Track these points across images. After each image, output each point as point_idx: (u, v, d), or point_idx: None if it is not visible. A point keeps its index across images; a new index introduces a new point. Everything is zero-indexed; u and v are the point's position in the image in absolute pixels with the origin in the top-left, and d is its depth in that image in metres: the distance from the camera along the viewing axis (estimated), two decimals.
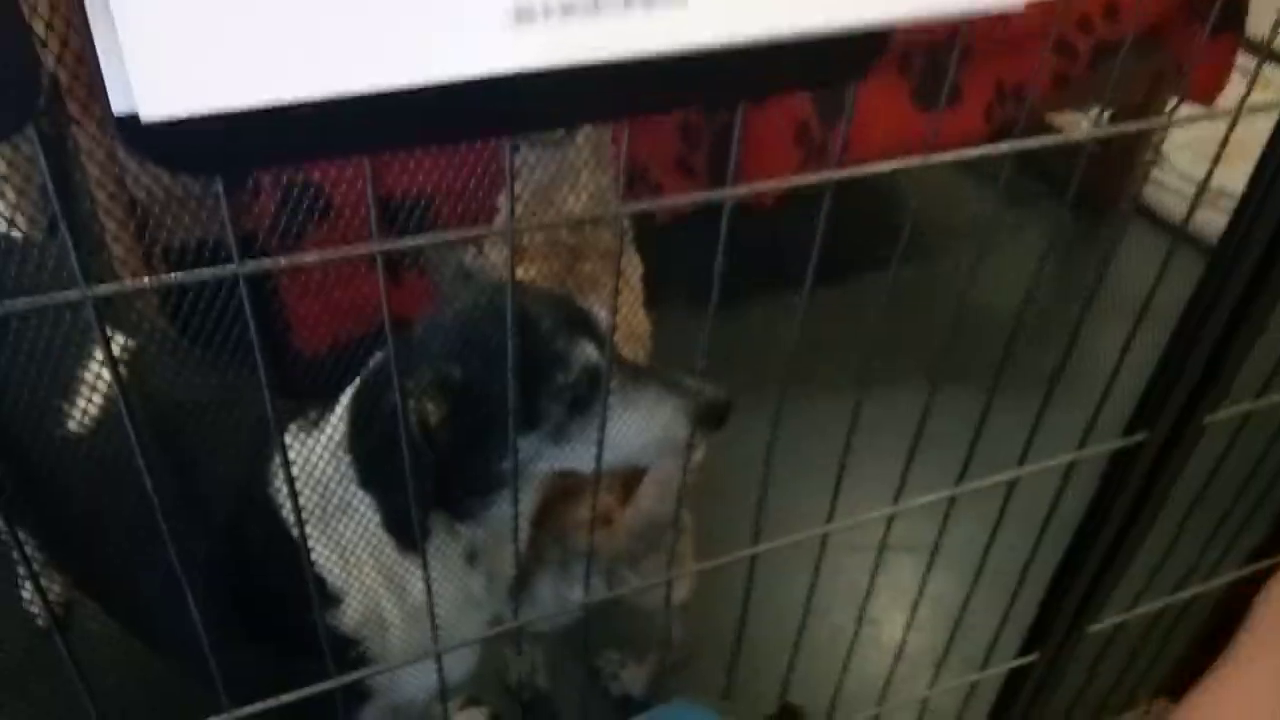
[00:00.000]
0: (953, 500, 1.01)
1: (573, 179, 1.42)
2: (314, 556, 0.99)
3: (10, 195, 1.04)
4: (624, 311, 1.42)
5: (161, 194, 1.93)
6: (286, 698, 0.77)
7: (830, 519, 0.94)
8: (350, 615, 1.03)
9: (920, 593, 1.11)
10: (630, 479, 1.23)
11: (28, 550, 0.75)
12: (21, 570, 1.59)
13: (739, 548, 0.92)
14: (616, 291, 1.37)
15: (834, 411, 0.90)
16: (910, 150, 0.76)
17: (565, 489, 1.22)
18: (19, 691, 1.47)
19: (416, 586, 1.03)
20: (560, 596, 1.24)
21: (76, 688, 0.68)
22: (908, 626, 1.16)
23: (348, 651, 1.04)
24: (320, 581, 1.00)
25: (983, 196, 2.74)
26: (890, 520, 0.97)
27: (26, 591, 1.64)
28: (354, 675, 0.83)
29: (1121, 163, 2.85)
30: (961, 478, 0.98)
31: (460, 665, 1.12)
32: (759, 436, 0.85)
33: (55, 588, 1.59)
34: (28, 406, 1.08)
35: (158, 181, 1.90)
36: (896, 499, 0.97)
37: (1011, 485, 1.03)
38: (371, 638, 1.04)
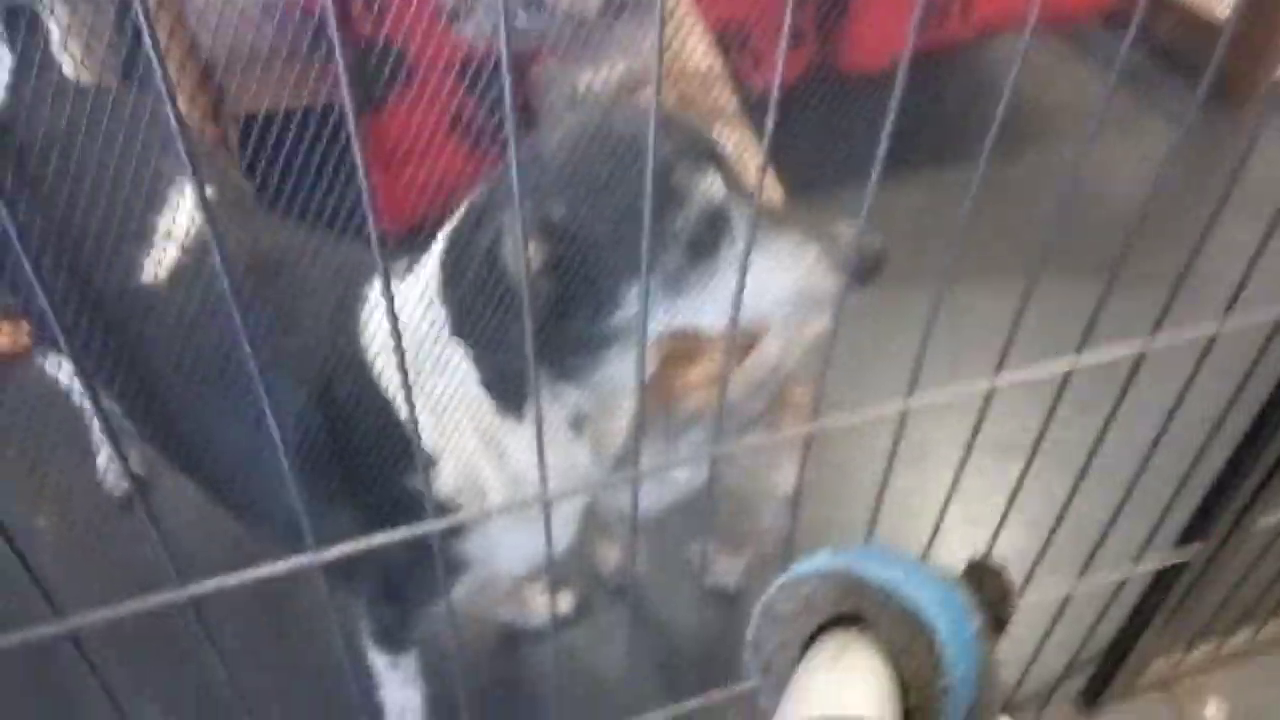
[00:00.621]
0: (1067, 379, 0.93)
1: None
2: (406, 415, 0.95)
3: (77, 44, 1.01)
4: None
5: (238, 53, 1.88)
6: (380, 539, 0.74)
7: (910, 392, 0.87)
8: (446, 479, 0.98)
9: (1016, 489, 1.06)
10: (749, 347, 1.14)
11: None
12: (97, 437, 1.65)
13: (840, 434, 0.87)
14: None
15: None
16: (1027, 15, 0.70)
17: (675, 353, 1.15)
18: (94, 566, 1.52)
19: (517, 450, 0.97)
20: (664, 471, 1.18)
21: (154, 558, 0.67)
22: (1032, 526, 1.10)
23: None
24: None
25: (1095, 77, 2.52)
26: (989, 395, 0.90)
27: (101, 461, 1.67)
28: (450, 520, 0.79)
29: (1262, 43, 2.52)
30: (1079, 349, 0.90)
31: (559, 535, 1.08)
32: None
33: (131, 458, 1.63)
34: (103, 257, 1.06)
35: (234, 39, 1.85)
36: (999, 368, 0.89)
37: (1137, 362, 0.94)
38: (469, 504, 0.99)
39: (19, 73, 1.21)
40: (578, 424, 0.99)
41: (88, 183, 1.04)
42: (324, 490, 1.00)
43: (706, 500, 0.97)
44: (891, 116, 0.69)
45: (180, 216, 1.07)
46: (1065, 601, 1.30)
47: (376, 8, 1.53)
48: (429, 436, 0.96)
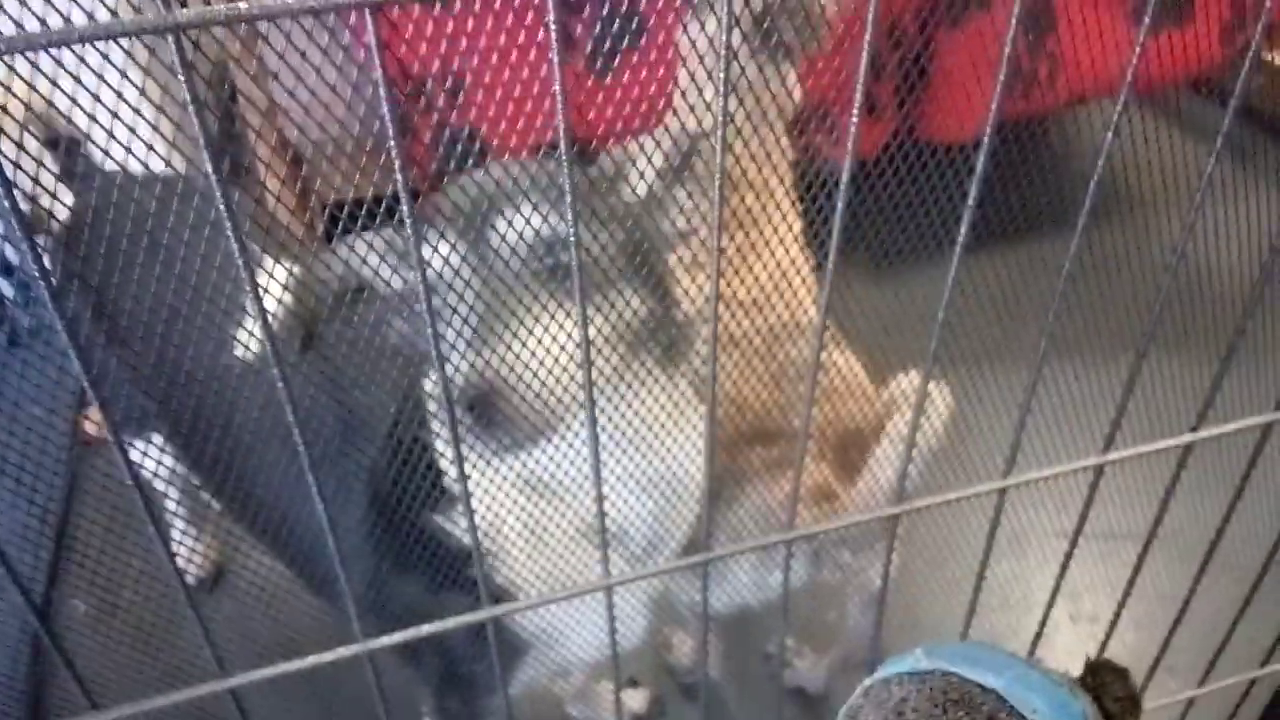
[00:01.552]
0: (1185, 456, 0.86)
1: None
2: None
3: (166, 134, 1.06)
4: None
5: (322, 143, 1.96)
6: (428, 629, 0.74)
7: (1008, 471, 0.82)
8: (510, 564, 0.95)
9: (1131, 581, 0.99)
10: (845, 444, 1.09)
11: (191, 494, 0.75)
12: (177, 526, 1.68)
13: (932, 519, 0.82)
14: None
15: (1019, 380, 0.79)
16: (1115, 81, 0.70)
17: (773, 459, 1.10)
18: (167, 645, 1.54)
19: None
20: (759, 578, 1.12)
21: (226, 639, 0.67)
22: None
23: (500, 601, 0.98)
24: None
25: (1181, 142, 2.43)
26: (1098, 473, 0.84)
27: (182, 547, 1.70)
28: (504, 608, 0.77)
29: None
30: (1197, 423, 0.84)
31: (628, 627, 1.04)
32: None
33: (210, 547, 1.66)
34: (192, 338, 1.09)
35: (318, 131, 1.93)
36: (1106, 448, 0.84)
37: (1264, 436, 0.87)
38: (529, 590, 0.97)
39: (98, 168, 1.28)
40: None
41: (177, 267, 1.08)
42: (391, 569, 1.00)
43: (784, 591, 0.93)
44: (975, 188, 0.66)
45: (268, 297, 1.10)
46: (1189, 706, 1.20)
47: (458, 94, 1.58)
48: (486, 520, 0.95)
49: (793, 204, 1.31)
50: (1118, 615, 1.03)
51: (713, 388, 0.71)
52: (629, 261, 0.84)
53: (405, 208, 0.54)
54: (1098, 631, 1.05)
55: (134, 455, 1.39)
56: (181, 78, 0.43)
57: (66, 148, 1.26)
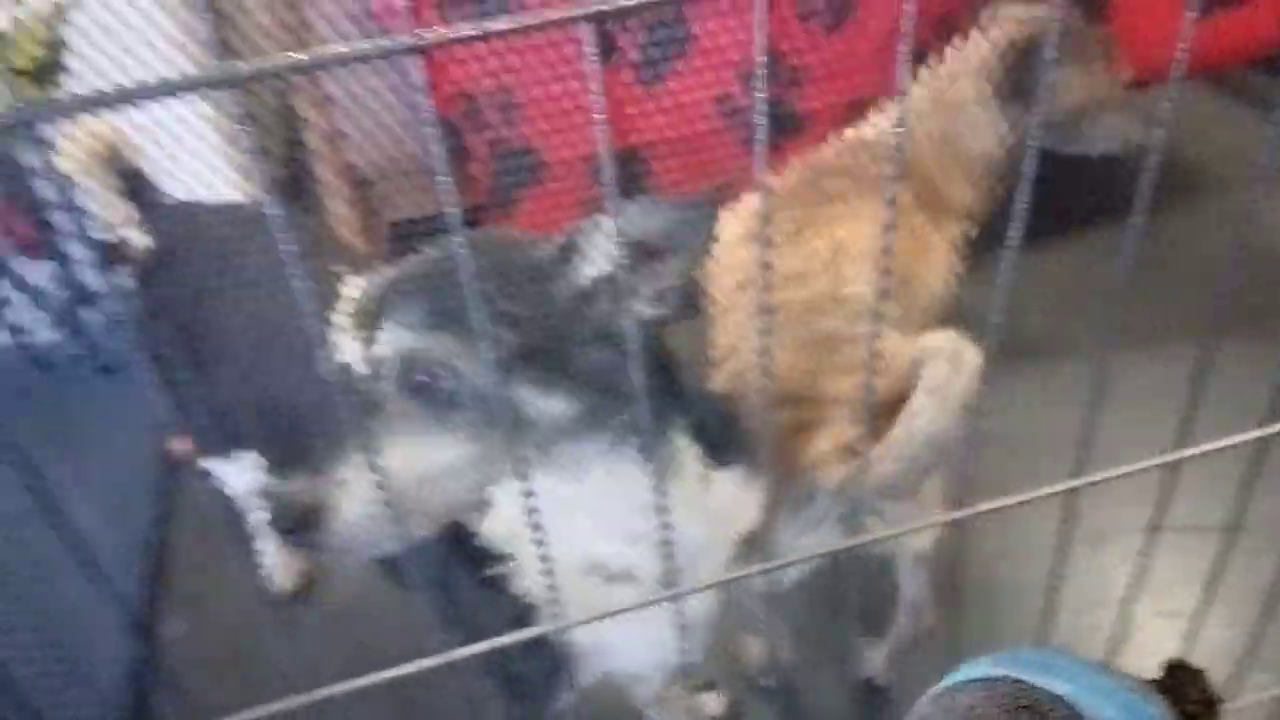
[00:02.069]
0: (1265, 446, 0.84)
1: None
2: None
3: (237, 163, 1.11)
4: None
5: (383, 166, 2.03)
6: (496, 642, 0.75)
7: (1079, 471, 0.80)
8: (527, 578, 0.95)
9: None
10: (881, 405, 1.09)
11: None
12: (261, 539, 1.74)
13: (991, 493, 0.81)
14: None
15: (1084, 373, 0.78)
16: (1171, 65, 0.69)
17: (799, 422, 1.12)
18: (252, 660, 1.59)
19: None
20: (796, 536, 1.13)
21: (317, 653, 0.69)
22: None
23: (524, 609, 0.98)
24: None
25: (1244, 122, 2.34)
26: (1176, 469, 0.82)
27: (266, 560, 1.76)
28: (565, 623, 0.78)
29: None
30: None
31: (690, 633, 1.04)
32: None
33: (297, 557, 1.71)
34: (281, 353, 1.12)
35: (379, 154, 1.99)
36: (1182, 438, 0.81)
37: None
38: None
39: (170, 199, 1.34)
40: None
41: (254, 289, 1.12)
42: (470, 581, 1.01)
43: (843, 584, 0.92)
44: (1029, 177, 0.66)
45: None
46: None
47: (510, 111, 1.61)
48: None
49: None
50: (1203, 610, 1.00)
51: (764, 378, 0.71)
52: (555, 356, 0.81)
53: (453, 238, 0.55)
54: (1184, 627, 1.03)
55: (225, 472, 1.45)
56: (245, 126, 0.45)
57: (140, 184, 1.32)
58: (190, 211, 1.37)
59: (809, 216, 1.34)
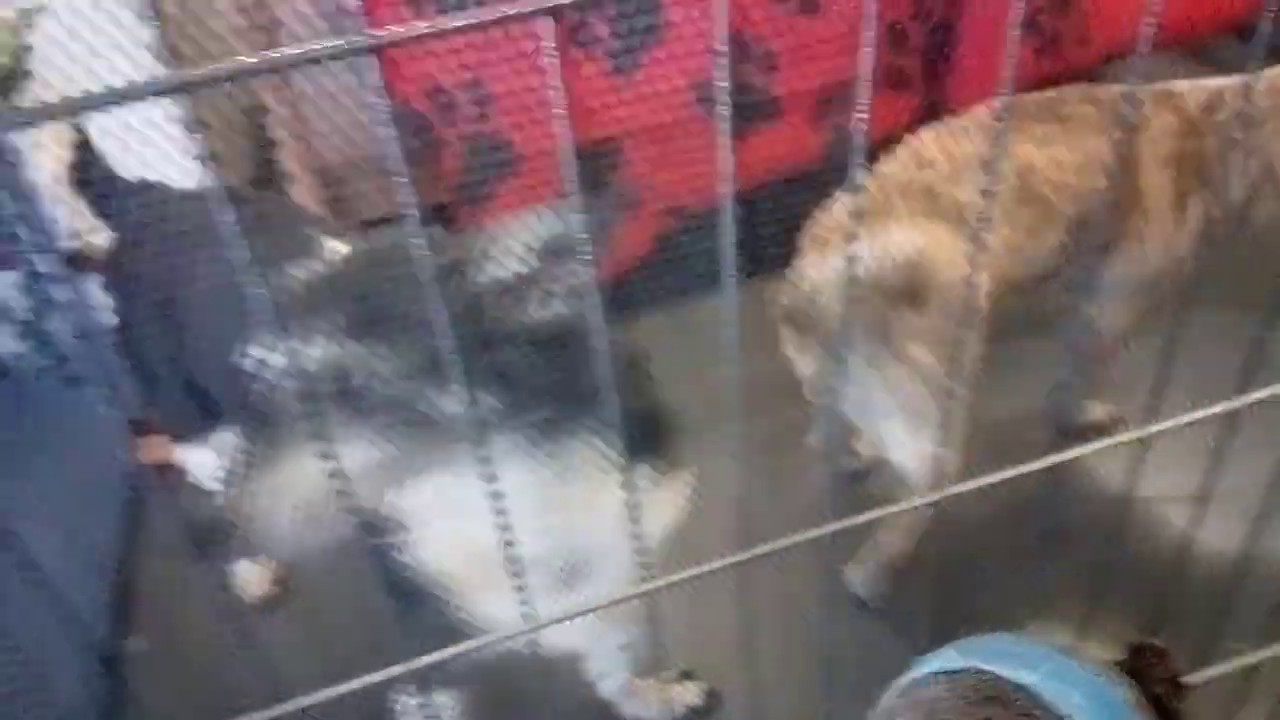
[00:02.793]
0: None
1: None
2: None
3: (218, 152, 1.11)
4: None
5: (356, 163, 2.01)
6: (450, 651, 0.75)
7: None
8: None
9: None
10: None
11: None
12: (234, 548, 1.72)
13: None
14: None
15: None
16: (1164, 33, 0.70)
17: None
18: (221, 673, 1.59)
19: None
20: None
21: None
22: None
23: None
24: None
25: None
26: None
27: (237, 569, 1.76)
28: (503, 635, 0.78)
29: None
30: None
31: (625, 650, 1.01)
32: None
33: (268, 566, 1.71)
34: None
35: (352, 151, 1.98)
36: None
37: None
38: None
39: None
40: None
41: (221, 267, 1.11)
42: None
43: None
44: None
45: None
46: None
47: (484, 104, 1.61)
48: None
49: None
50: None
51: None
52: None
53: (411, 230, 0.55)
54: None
55: (197, 464, 1.44)
56: (198, 132, 0.46)
57: (99, 171, 1.31)
58: (153, 194, 1.36)
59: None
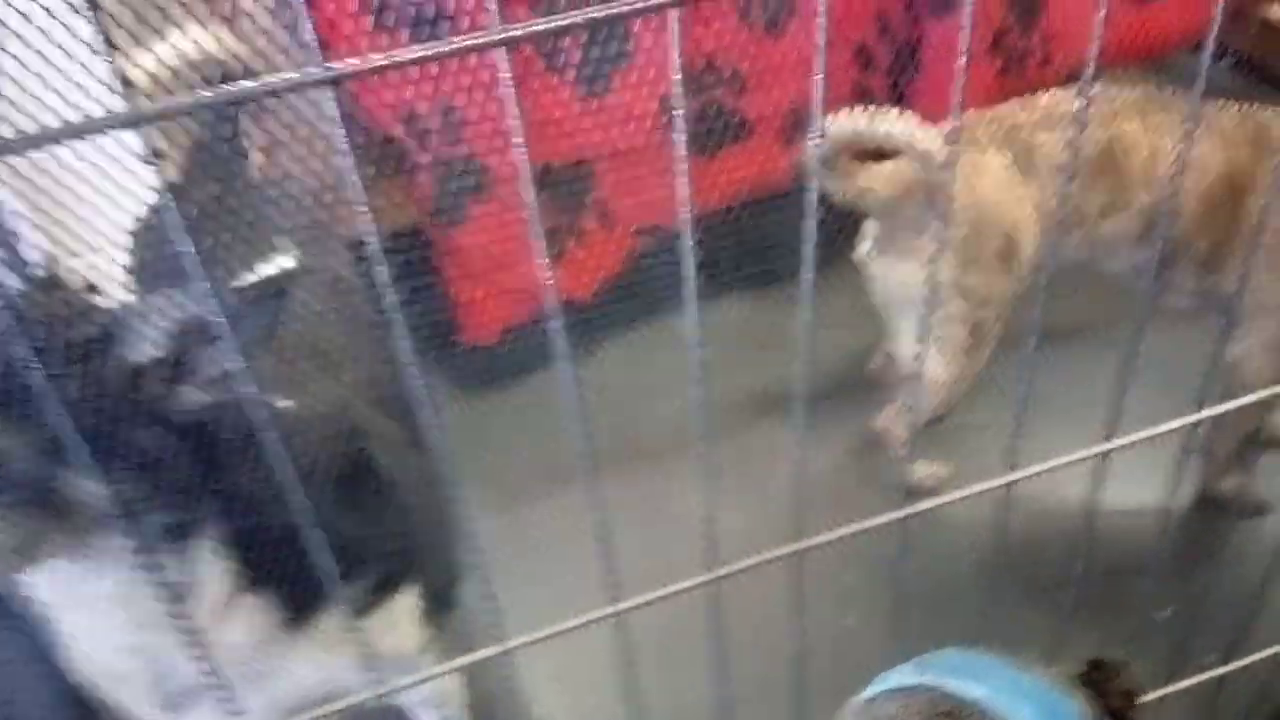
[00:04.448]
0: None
1: None
2: None
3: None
4: None
5: (329, 186, 2.02)
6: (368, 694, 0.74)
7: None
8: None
9: None
10: None
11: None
12: None
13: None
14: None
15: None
16: (1123, 50, 0.70)
17: None
18: None
19: None
20: None
21: None
22: None
23: None
24: None
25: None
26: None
27: None
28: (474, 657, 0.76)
29: None
30: None
31: None
32: None
33: None
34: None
35: (328, 174, 1.98)
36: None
37: None
38: None
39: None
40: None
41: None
42: None
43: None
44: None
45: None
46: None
47: (453, 124, 1.62)
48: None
49: None
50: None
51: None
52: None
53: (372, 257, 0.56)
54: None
55: None
56: (154, 162, 0.46)
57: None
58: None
59: None
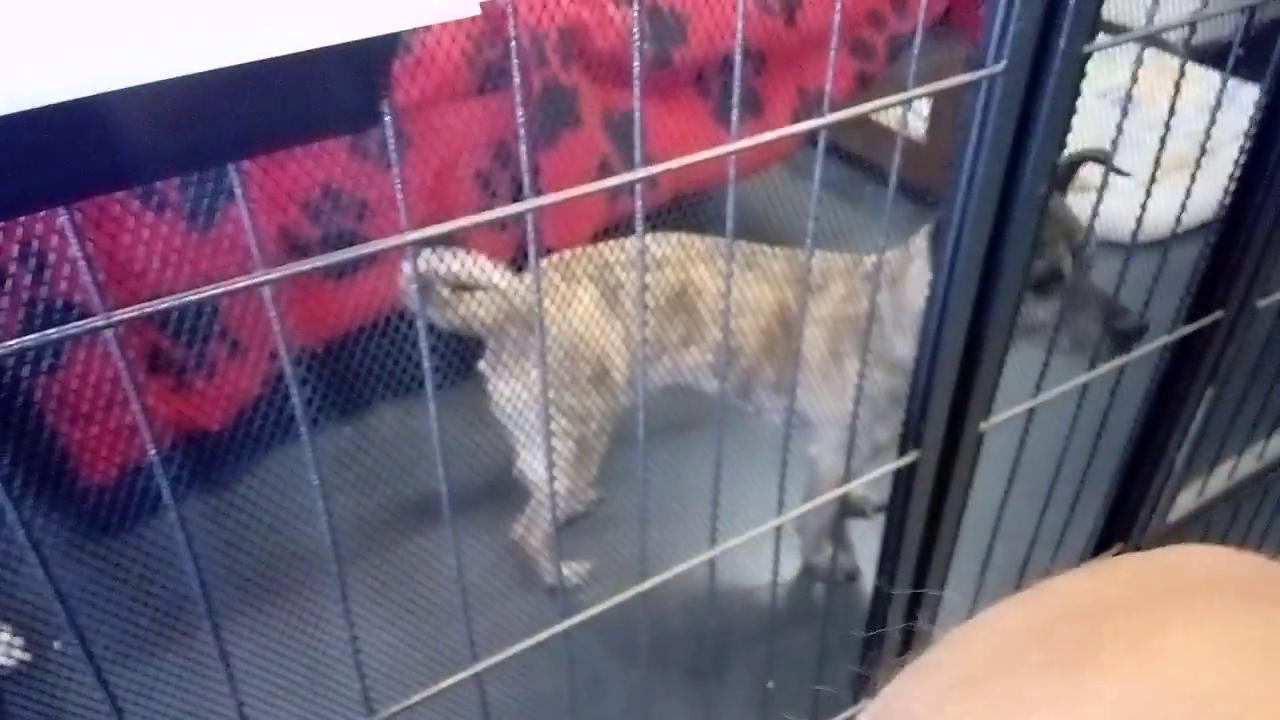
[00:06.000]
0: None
1: None
2: None
3: None
4: None
5: None
6: None
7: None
8: None
9: None
10: None
11: None
12: None
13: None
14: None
15: None
16: (723, 168, 0.82)
17: None
18: None
19: None
20: None
21: None
22: None
23: None
24: None
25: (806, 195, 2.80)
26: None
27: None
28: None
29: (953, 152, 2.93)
30: None
31: None
32: None
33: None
34: None
35: None
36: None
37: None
38: None
39: None
40: None
41: None
42: None
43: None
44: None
45: None
46: None
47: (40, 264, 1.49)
48: None
49: None
50: None
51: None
52: None
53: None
54: None
55: None
56: None
57: None
58: None
59: None
